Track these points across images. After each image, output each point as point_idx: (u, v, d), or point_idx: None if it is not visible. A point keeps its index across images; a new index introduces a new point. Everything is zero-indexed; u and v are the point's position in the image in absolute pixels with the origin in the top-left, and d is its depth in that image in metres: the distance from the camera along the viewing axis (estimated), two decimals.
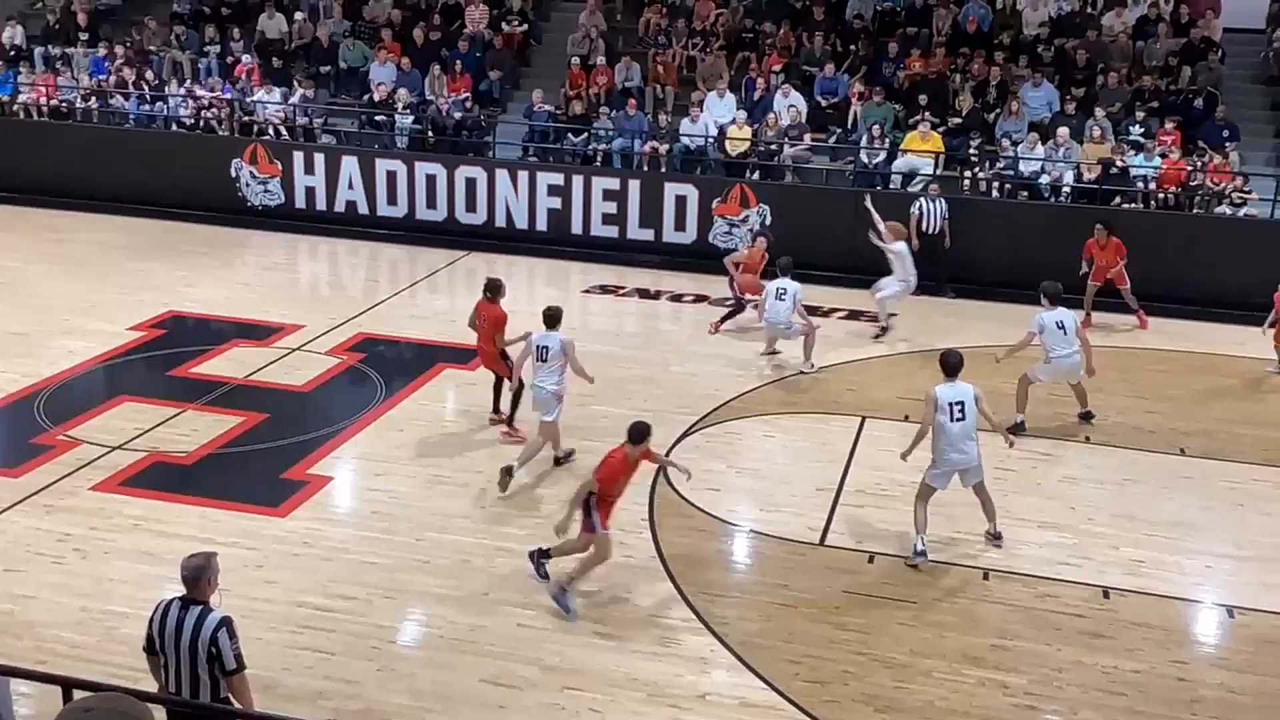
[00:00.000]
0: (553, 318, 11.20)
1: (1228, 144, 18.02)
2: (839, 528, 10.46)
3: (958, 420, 9.63)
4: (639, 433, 9.13)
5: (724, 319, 15.57)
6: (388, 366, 13.72)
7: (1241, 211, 17.22)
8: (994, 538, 10.10)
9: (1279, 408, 13.49)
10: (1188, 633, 9.19)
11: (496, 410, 12.38)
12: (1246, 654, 8.78)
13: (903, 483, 11.28)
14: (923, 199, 16.82)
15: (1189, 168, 17.69)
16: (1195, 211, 17.50)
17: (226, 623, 6.14)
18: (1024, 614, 9.18)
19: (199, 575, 6.20)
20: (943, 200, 16.80)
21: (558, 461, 11.47)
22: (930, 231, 16.79)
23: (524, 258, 18.54)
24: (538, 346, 11.14)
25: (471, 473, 11.26)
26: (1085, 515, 10.70)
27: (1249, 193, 17.34)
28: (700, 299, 16.99)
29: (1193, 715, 8.07)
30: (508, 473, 10.82)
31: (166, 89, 21.36)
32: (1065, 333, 11.96)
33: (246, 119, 20.87)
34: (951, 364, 9.84)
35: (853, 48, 20.74)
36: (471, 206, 19.26)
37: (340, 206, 19.81)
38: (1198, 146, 17.97)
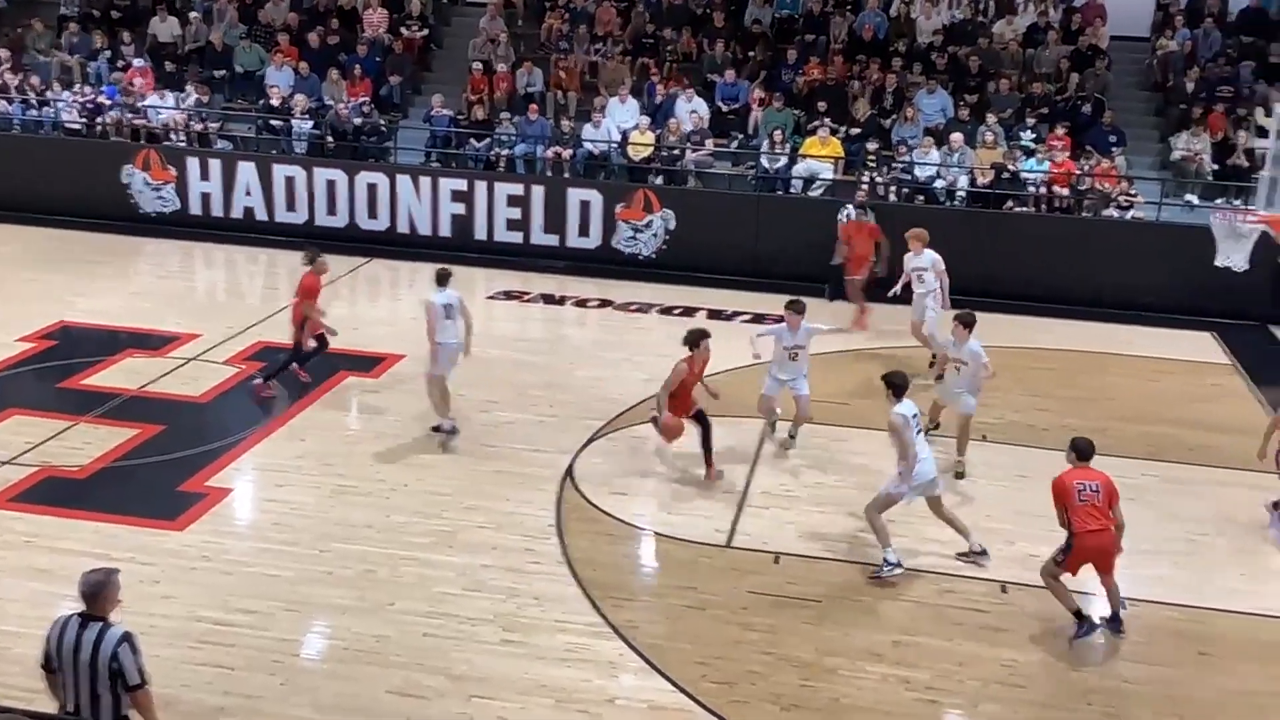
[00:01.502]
0: (445, 276, 12.05)
1: (1114, 149, 18.60)
2: (745, 529, 10.56)
3: (919, 433, 9.72)
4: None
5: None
6: (288, 376, 13.50)
7: (1128, 214, 17.78)
8: (977, 554, 10.07)
9: (1166, 405, 13.93)
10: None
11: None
12: (1139, 644, 9.06)
13: (808, 483, 11.48)
14: (850, 207, 16.91)
15: (1078, 171, 18.21)
16: (1084, 214, 18.02)
17: (128, 638, 6.02)
18: (926, 610, 9.37)
19: (99, 591, 6.07)
20: (870, 210, 16.92)
21: (435, 429, 12.00)
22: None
23: (427, 264, 18.31)
24: (443, 305, 11.84)
25: (375, 481, 11.14)
26: (983, 512, 10.94)
27: (1135, 196, 17.92)
28: (605, 303, 17.01)
29: (1088, 705, 8.31)
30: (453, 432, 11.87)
31: (49, 93, 20.74)
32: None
33: (139, 124, 20.36)
34: (898, 384, 9.81)
35: (752, 54, 20.96)
36: (373, 213, 19.05)
37: (237, 213, 19.44)
38: (1086, 151, 18.52)
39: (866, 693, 8.33)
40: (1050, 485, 8.92)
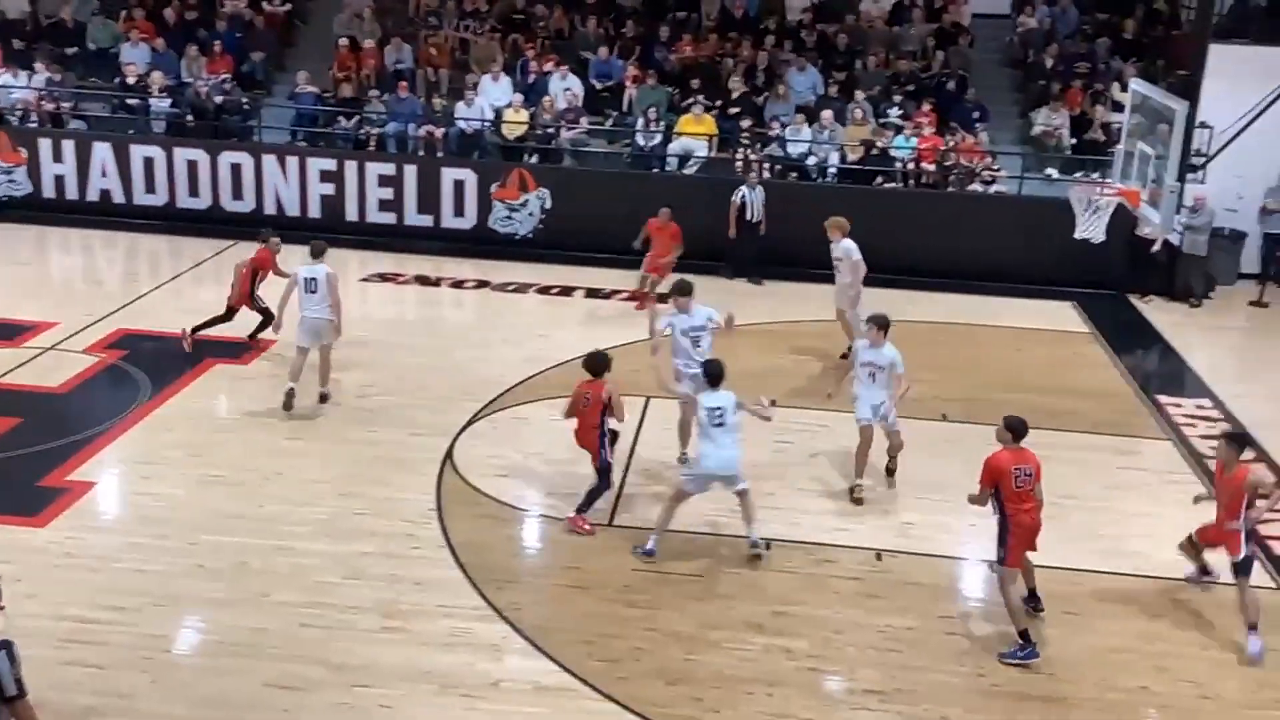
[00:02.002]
0: (319, 250, 12.23)
1: (978, 124, 19.06)
2: (627, 507, 10.57)
3: (717, 426, 9.55)
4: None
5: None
6: (153, 364, 13.05)
7: (992, 189, 18.25)
8: (754, 547, 9.79)
9: (1031, 373, 14.35)
10: (955, 589, 9.71)
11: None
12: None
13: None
14: (744, 188, 17.02)
15: (944, 147, 18.62)
16: (950, 189, 18.44)
17: (6, 646, 5.82)
18: (804, 580, 9.51)
19: None
20: (761, 189, 17.09)
21: (323, 398, 12.30)
22: (753, 219, 17.03)
23: (296, 246, 17.87)
24: (305, 279, 12.00)
25: (247, 470, 10.85)
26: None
27: (998, 171, 18.41)
28: (482, 284, 16.84)
29: (961, 666, 8.54)
30: (290, 395, 11.97)
31: None
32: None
33: None
34: (714, 374, 9.75)
35: (624, 31, 20.91)
36: (238, 193, 18.52)
37: (93, 196, 18.71)
38: (951, 127, 18.94)
39: (749, 664, 8.42)
40: (983, 464, 8.61)
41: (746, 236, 16.99)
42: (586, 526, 10.10)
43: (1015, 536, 8.60)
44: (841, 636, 8.78)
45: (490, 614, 8.83)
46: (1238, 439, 9.19)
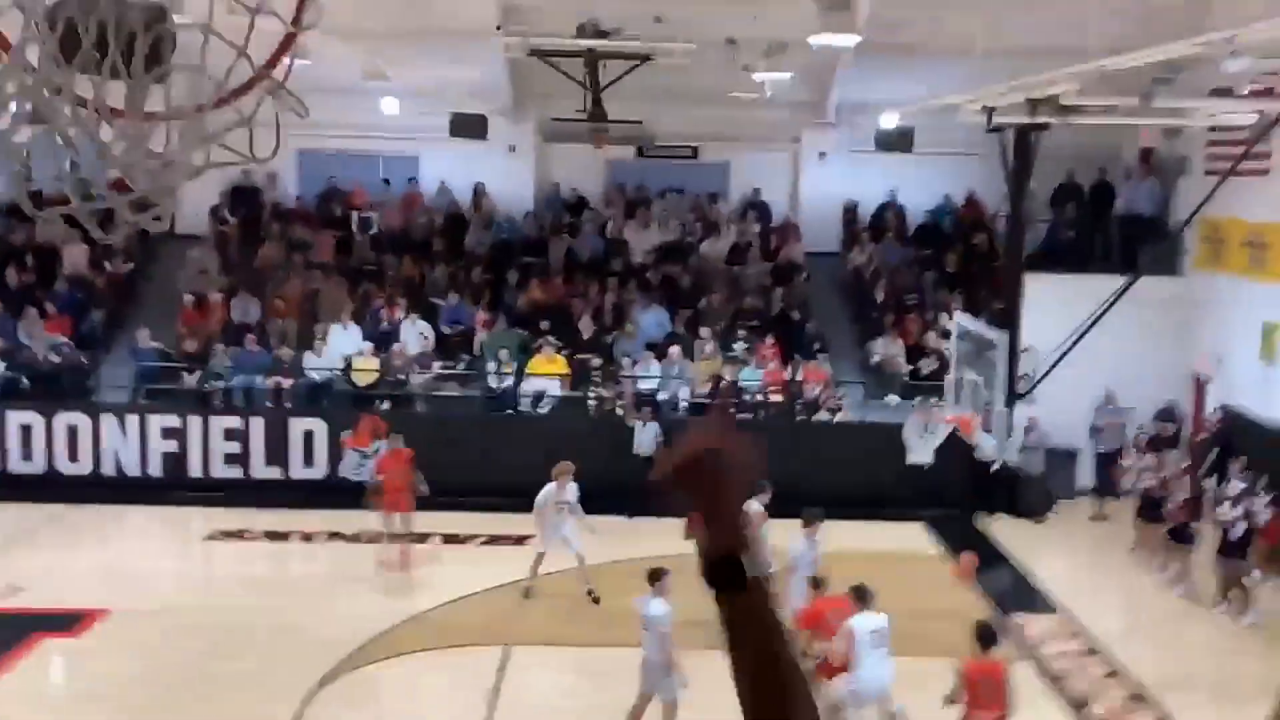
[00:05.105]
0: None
1: (819, 354, 19.80)
2: None
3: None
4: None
5: None
6: None
7: (836, 416, 18.82)
8: None
9: (888, 598, 14.29)
10: None
11: None
12: None
13: (556, 708, 11.12)
14: (636, 421, 17.24)
15: (788, 378, 19.22)
16: (799, 418, 18.92)
17: None
18: None
19: None
20: (655, 424, 17.27)
21: None
22: (642, 454, 16.98)
23: (137, 506, 17.28)
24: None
25: None
26: None
27: (842, 399, 19.03)
28: (334, 535, 16.37)
29: None
30: None
31: None
32: None
33: None
34: (651, 576, 10.26)
35: (473, 277, 21.34)
36: (74, 455, 17.84)
37: None
38: (794, 359, 19.61)
39: None
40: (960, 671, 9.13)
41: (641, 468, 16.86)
42: None
43: None
44: None
45: None
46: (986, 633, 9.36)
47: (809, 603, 10.69)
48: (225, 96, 3.59)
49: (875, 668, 9.84)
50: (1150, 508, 15.41)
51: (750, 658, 1.90)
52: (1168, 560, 15.05)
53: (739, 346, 19.89)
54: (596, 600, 13.68)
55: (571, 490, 13.96)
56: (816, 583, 10.79)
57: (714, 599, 1.94)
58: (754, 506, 13.32)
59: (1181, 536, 14.88)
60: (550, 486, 13.93)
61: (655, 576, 10.17)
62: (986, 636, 9.22)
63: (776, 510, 16.81)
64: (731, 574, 1.92)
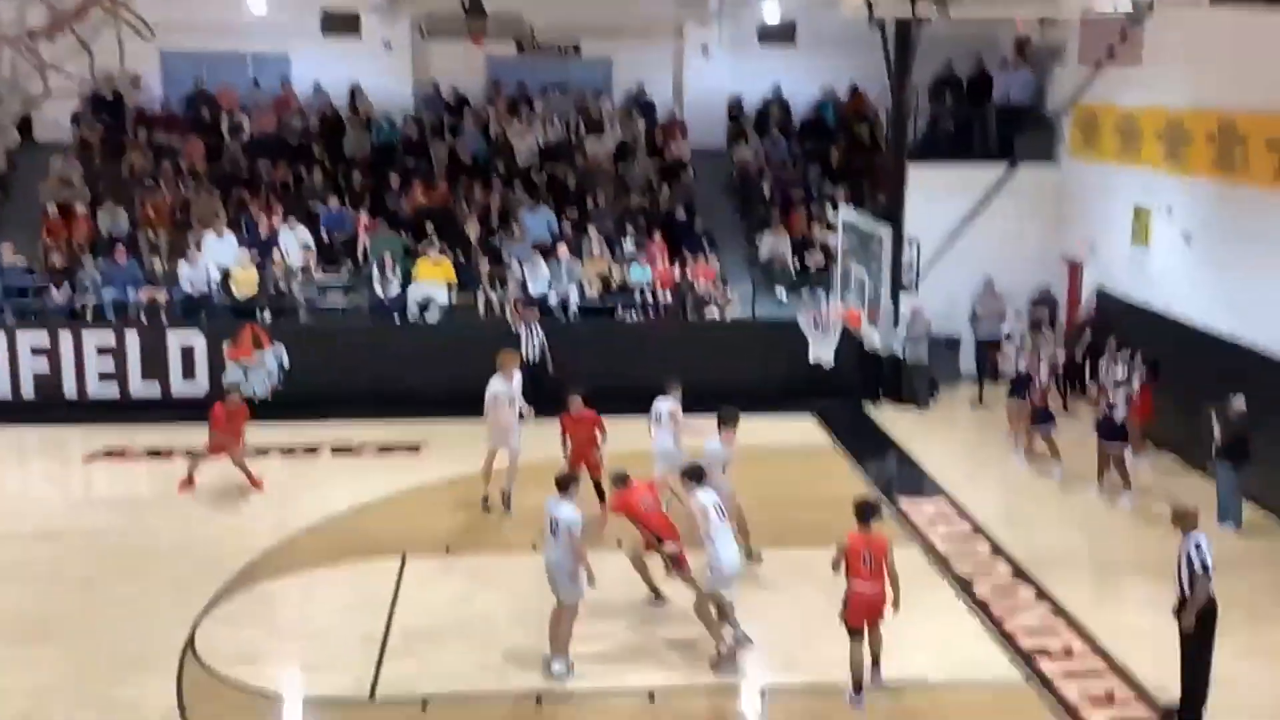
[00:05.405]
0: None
1: (708, 252, 19.80)
2: (389, 677, 10.07)
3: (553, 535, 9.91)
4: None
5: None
6: None
7: (727, 314, 18.91)
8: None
9: (782, 490, 14.59)
10: (736, 714, 9.67)
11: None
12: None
13: (450, 617, 11.14)
14: (521, 326, 17.00)
15: (678, 277, 19.21)
16: (690, 317, 18.96)
17: None
18: None
19: None
20: (539, 326, 17.08)
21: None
22: (533, 361, 16.80)
23: (10, 427, 16.66)
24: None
25: None
26: (622, 622, 10.98)
27: (731, 296, 19.11)
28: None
29: None
30: None
31: None
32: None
33: None
34: (562, 481, 10.18)
35: (353, 181, 20.76)
36: None
37: None
38: (683, 256, 19.59)
39: None
40: (842, 543, 9.55)
41: (531, 377, 16.59)
42: None
43: (853, 606, 9.49)
44: None
45: None
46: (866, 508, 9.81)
47: (615, 496, 10.96)
48: (61, 19, 3.34)
49: (729, 543, 10.23)
50: (1019, 389, 15.86)
51: None
52: (1030, 442, 15.57)
53: (627, 246, 19.79)
54: (502, 507, 13.63)
55: (517, 381, 13.83)
56: (621, 479, 10.89)
57: None
58: (667, 405, 13.45)
59: (1042, 418, 15.38)
60: (496, 379, 13.68)
61: (565, 482, 10.14)
62: (866, 511, 9.68)
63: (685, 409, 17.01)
64: None
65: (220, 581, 11.79)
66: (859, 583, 9.46)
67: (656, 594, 11.33)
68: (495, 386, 13.68)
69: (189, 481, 14.46)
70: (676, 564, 10.71)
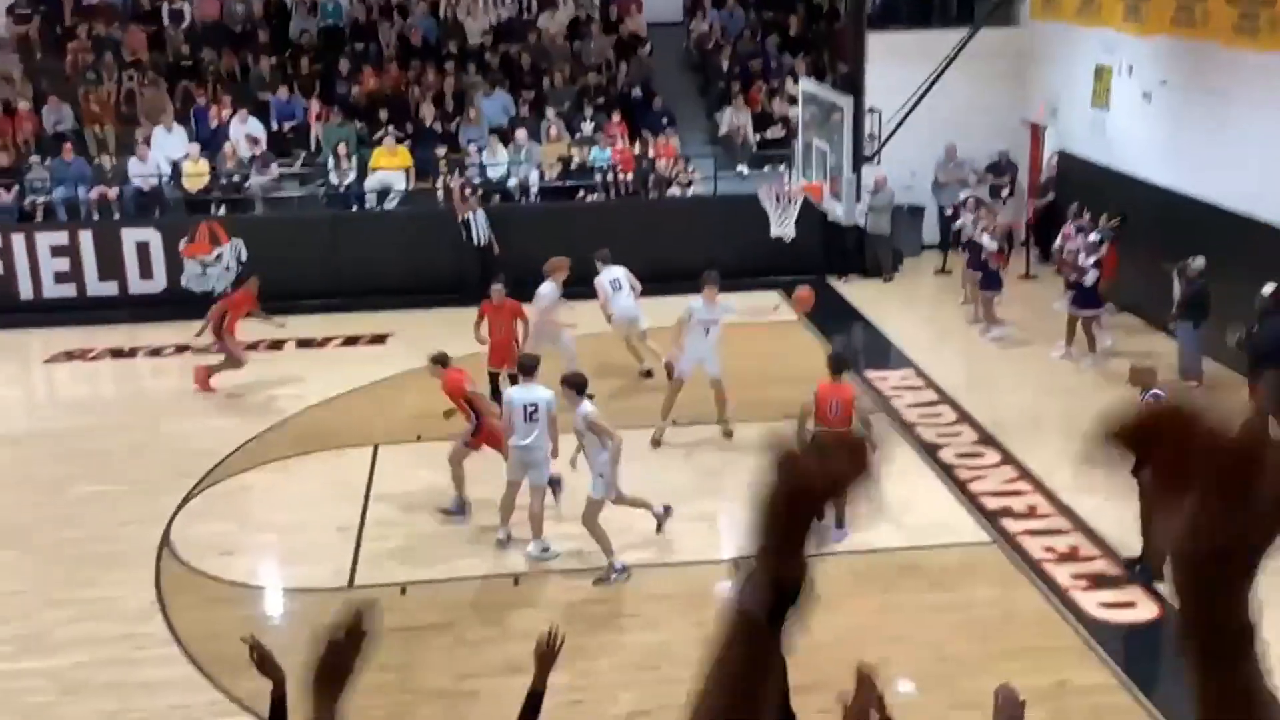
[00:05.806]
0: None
1: (668, 129, 19.53)
2: (366, 566, 10.19)
3: (531, 421, 9.84)
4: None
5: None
6: None
7: (689, 191, 18.75)
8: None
9: (750, 367, 14.65)
10: (702, 595, 9.83)
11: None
12: None
13: (425, 504, 11.22)
14: (467, 213, 16.83)
15: (637, 155, 18.97)
16: (652, 196, 18.80)
17: None
18: (556, 611, 9.40)
19: None
20: (482, 211, 16.91)
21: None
22: (480, 244, 16.73)
23: None
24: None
25: None
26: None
27: (693, 173, 18.93)
28: (182, 349, 15.87)
29: None
30: None
31: None
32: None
33: None
34: (527, 366, 10.25)
35: (301, 68, 20.24)
36: None
37: None
38: (642, 136, 19.32)
39: (512, 708, 8.21)
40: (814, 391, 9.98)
41: (479, 262, 16.61)
42: None
43: None
44: (600, 662, 8.75)
45: (231, 707, 8.30)
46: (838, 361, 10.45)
47: (444, 376, 10.82)
48: None
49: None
50: (976, 255, 15.88)
51: None
52: (979, 307, 15.66)
53: (586, 126, 19.48)
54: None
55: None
56: (440, 360, 10.86)
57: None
58: (620, 270, 13.61)
59: (990, 283, 15.44)
60: (548, 285, 13.33)
61: (530, 366, 10.15)
62: (838, 364, 10.29)
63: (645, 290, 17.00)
64: None
65: (192, 479, 11.81)
66: (825, 430, 9.62)
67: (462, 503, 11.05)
68: (547, 293, 13.41)
69: (206, 379, 14.20)
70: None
